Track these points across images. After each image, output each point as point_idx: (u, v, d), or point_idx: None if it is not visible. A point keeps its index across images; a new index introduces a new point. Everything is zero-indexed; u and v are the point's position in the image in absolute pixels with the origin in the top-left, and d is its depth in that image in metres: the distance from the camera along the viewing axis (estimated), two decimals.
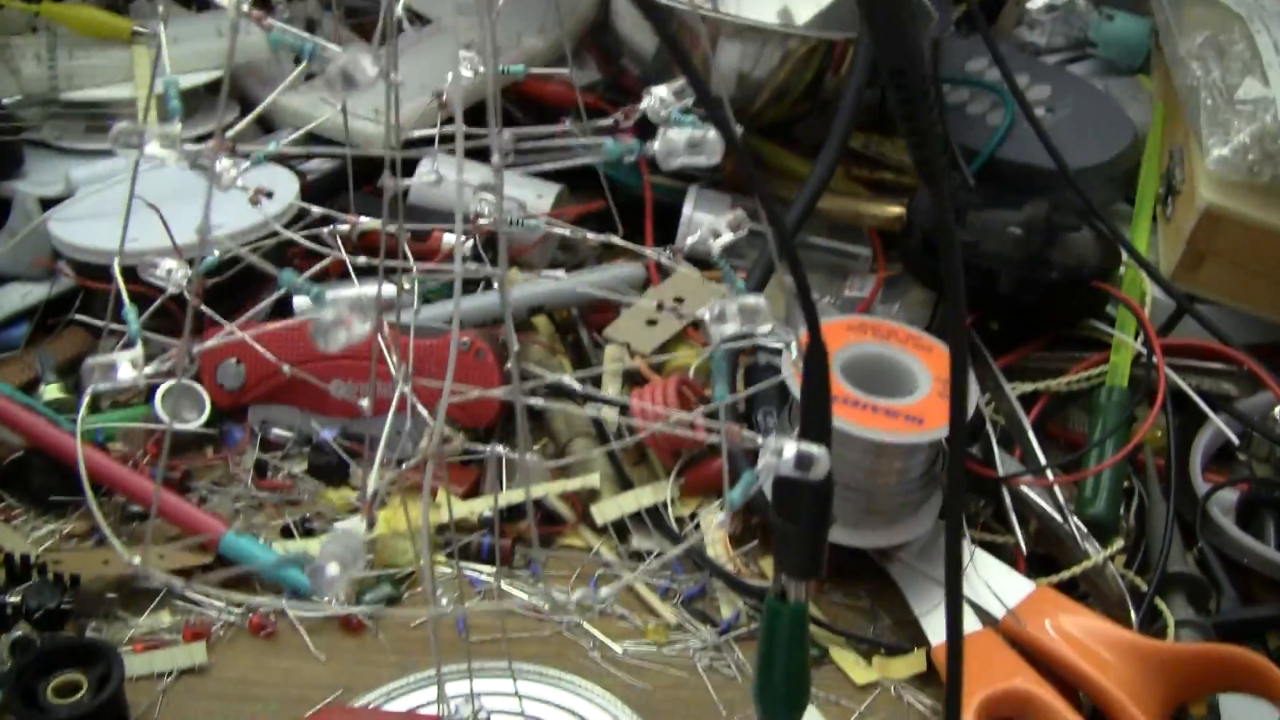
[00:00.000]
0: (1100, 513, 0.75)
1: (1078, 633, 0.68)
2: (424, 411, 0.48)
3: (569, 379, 0.54)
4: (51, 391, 0.86)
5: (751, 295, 0.42)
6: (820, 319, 0.88)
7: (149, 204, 0.60)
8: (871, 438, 0.69)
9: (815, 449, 0.41)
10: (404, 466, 0.45)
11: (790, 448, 0.41)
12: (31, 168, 1.00)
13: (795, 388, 0.70)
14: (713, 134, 0.41)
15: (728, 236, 0.52)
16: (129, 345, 0.46)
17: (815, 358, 0.43)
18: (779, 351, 0.87)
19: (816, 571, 0.48)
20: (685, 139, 0.41)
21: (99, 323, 0.89)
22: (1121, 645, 0.67)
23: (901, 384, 0.73)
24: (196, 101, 1.06)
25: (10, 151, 0.99)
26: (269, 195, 0.53)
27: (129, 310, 0.48)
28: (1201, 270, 0.88)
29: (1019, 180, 1.02)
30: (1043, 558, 0.76)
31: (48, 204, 0.96)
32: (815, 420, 0.44)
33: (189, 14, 1.14)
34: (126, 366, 0.44)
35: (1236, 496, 0.79)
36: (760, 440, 0.42)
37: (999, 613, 0.70)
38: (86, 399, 0.52)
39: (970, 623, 0.70)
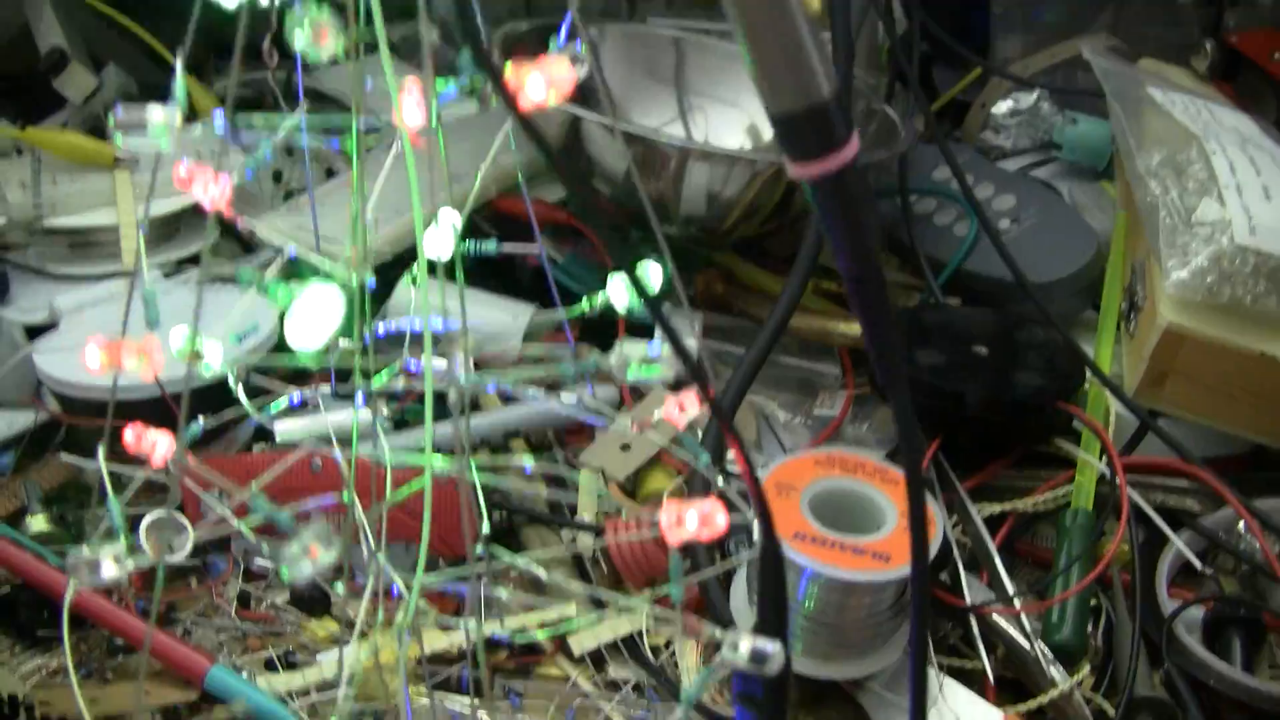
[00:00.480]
0: (1066, 639, 0.77)
1: None
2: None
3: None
4: (38, 523, 0.87)
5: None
6: (789, 441, 0.90)
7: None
8: (838, 576, 0.70)
9: (770, 645, 0.43)
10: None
11: (746, 643, 0.43)
12: (17, 294, 1.02)
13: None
14: (666, 350, 0.43)
15: (692, 411, 0.54)
16: (111, 535, 0.48)
17: (769, 555, 0.45)
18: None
19: None
20: (640, 354, 0.43)
21: (85, 462, 0.90)
22: None
23: (869, 519, 0.75)
24: (179, 224, 1.08)
25: None
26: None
27: (111, 501, 0.50)
28: (1164, 387, 0.90)
29: (987, 294, 1.04)
30: (1011, 682, 0.78)
31: (33, 331, 0.98)
32: (772, 614, 0.46)
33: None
34: (109, 564, 0.46)
35: (1203, 614, 0.81)
36: (718, 633, 0.44)
37: None
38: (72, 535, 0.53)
39: None
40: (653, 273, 0.53)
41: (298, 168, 1.17)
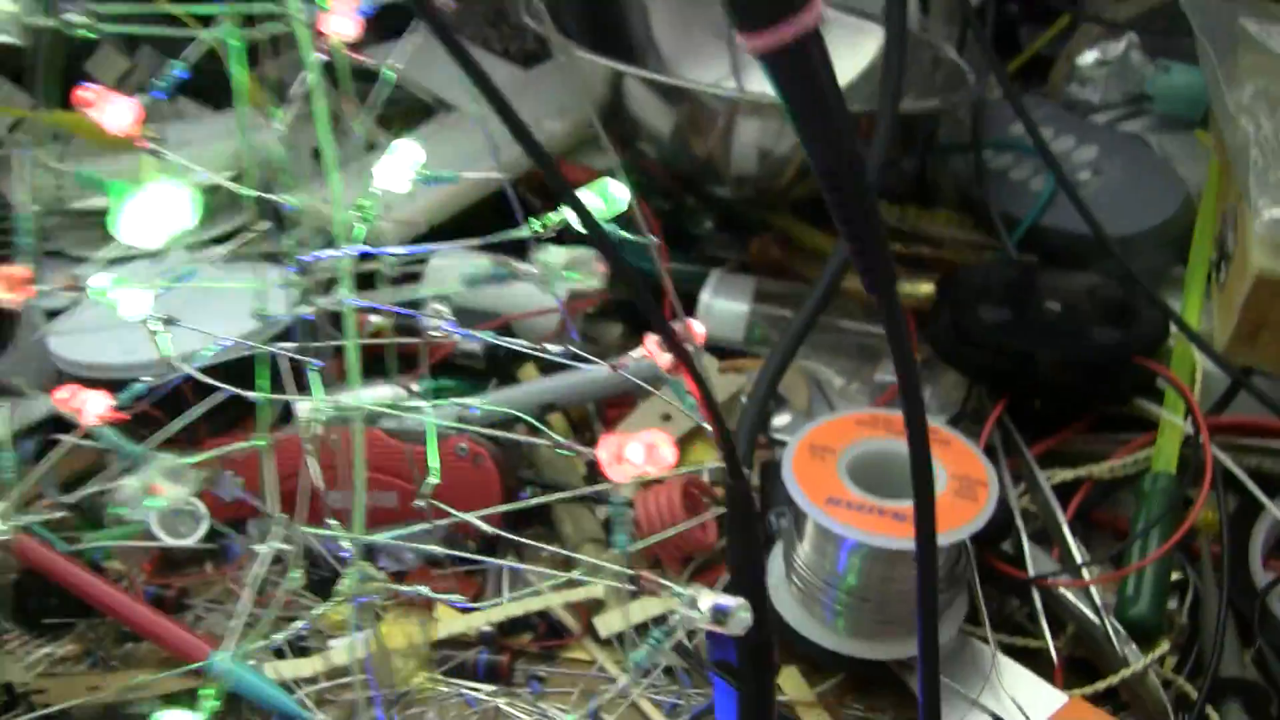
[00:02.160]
0: (1142, 613, 0.69)
1: None
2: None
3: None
4: (55, 510, 0.83)
5: (650, 433, 0.37)
6: (840, 409, 0.83)
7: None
8: (881, 545, 0.64)
9: (732, 601, 0.36)
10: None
11: (706, 599, 0.37)
12: (43, 278, 0.98)
13: (797, 493, 0.65)
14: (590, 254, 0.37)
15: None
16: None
17: (739, 496, 0.38)
18: None
19: None
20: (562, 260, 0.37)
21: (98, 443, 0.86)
22: None
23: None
24: (212, 202, 1.04)
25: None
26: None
27: None
28: (1258, 341, 0.81)
29: (1066, 250, 0.96)
30: (1082, 664, 0.70)
31: (55, 316, 0.94)
32: (744, 566, 0.39)
33: (198, 117, 1.13)
34: None
35: None
36: (676, 590, 0.37)
37: None
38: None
39: None
40: (617, 191, 0.47)
41: (338, 144, 1.12)
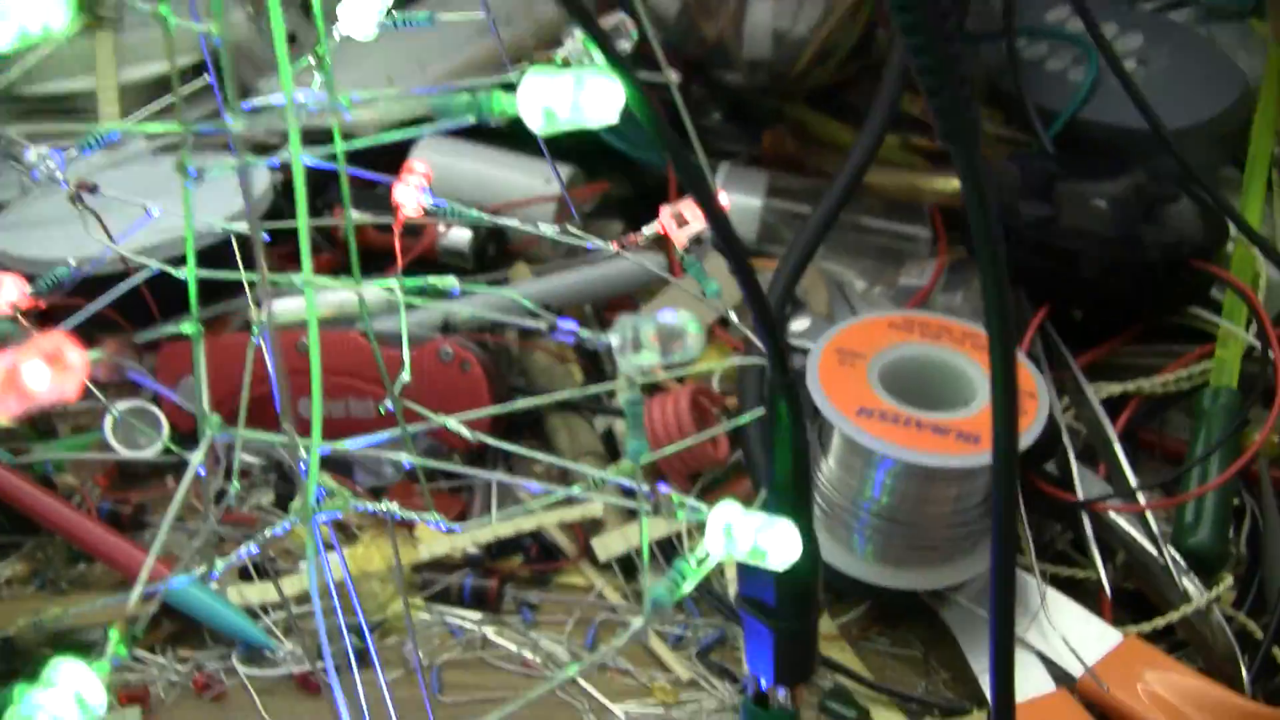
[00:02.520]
0: (1203, 543, 0.62)
1: (1174, 696, 0.55)
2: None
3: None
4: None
5: (670, 314, 0.30)
6: (865, 313, 0.75)
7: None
8: (916, 461, 0.56)
9: (778, 526, 0.29)
10: None
11: (744, 525, 0.29)
12: None
13: (823, 402, 0.58)
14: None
15: (696, 224, 0.40)
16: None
17: (786, 395, 0.31)
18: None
19: (803, 675, 0.35)
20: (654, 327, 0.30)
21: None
22: (1229, 711, 0.54)
23: (955, 392, 0.61)
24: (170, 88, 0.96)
25: None
26: (91, 190, 0.42)
27: None
28: None
29: (1106, 144, 0.88)
30: (1132, 595, 0.63)
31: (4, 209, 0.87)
32: (786, 484, 0.32)
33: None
34: None
35: None
36: (703, 510, 0.30)
37: (1076, 671, 0.57)
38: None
39: (1040, 682, 0.57)
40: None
41: (314, 29, 1.04)
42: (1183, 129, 0.85)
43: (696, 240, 0.42)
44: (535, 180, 0.86)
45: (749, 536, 0.29)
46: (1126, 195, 0.76)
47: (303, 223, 0.31)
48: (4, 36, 0.23)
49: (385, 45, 0.86)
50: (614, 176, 0.91)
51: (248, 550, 0.62)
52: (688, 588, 0.30)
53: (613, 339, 0.30)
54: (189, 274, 0.33)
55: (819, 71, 0.88)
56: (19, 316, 0.44)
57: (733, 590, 0.64)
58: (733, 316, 0.39)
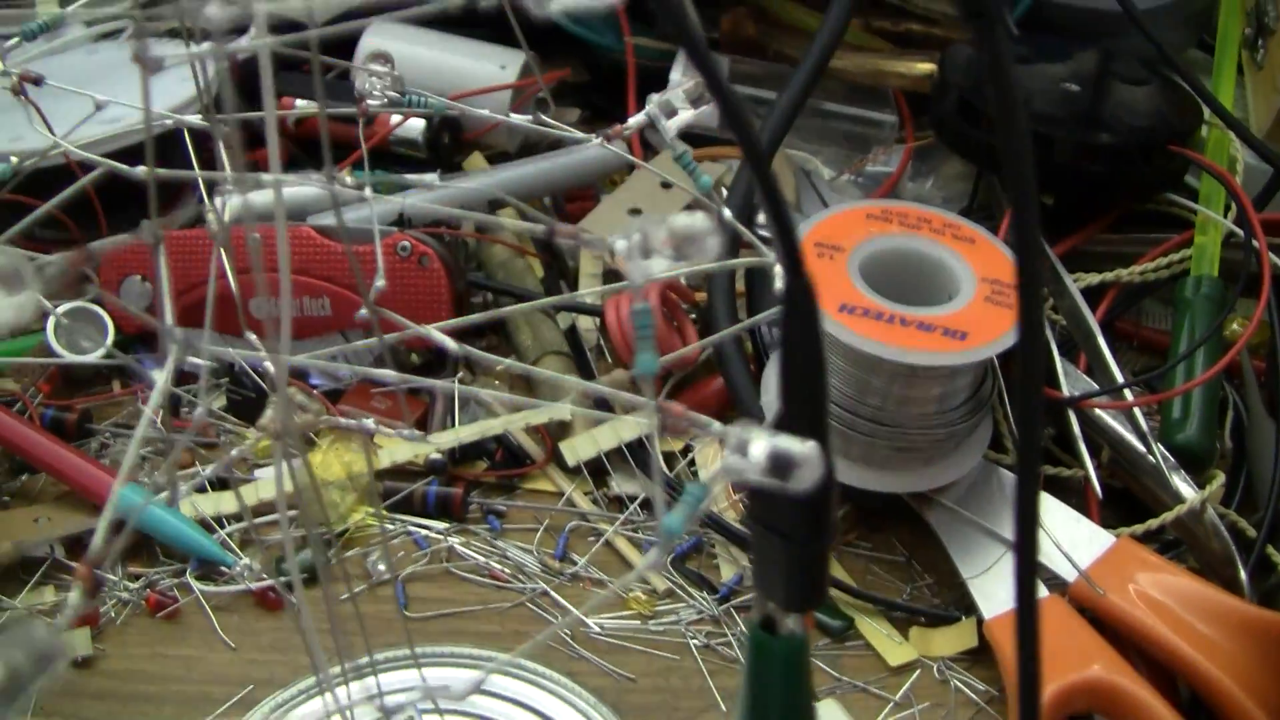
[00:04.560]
0: (1192, 439, 0.61)
1: (1170, 599, 0.54)
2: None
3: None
4: None
5: (685, 216, 0.27)
6: (836, 203, 0.73)
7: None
8: (902, 360, 0.54)
9: (799, 447, 0.27)
10: None
11: (760, 444, 0.27)
12: None
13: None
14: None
15: (686, 114, 0.37)
16: None
17: (801, 308, 0.28)
18: None
19: (816, 601, 0.33)
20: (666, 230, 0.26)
21: None
22: (1226, 615, 0.53)
23: (938, 287, 0.58)
24: None
25: None
26: (36, 82, 0.38)
27: None
28: None
29: (1072, 25, 0.85)
30: (1118, 493, 0.62)
31: None
32: (803, 402, 0.29)
33: None
34: None
35: None
36: (717, 429, 0.28)
37: (1069, 575, 0.56)
38: None
39: None
40: None
41: None
42: (1151, 8, 0.82)
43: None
44: (490, 66, 0.83)
45: (768, 458, 0.27)
46: (1095, 77, 0.74)
47: (271, 115, 0.27)
48: None
49: None
50: (570, 61, 0.87)
51: (215, 469, 0.59)
52: (701, 511, 0.28)
53: (618, 244, 0.27)
54: (148, 172, 0.30)
55: None
56: None
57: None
58: (726, 213, 0.36)
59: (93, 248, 0.25)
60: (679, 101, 0.37)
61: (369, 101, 0.45)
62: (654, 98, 0.38)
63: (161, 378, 0.29)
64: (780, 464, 0.27)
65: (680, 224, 0.26)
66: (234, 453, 0.35)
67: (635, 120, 0.38)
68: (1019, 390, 0.29)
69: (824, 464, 0.27)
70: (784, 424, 0.30)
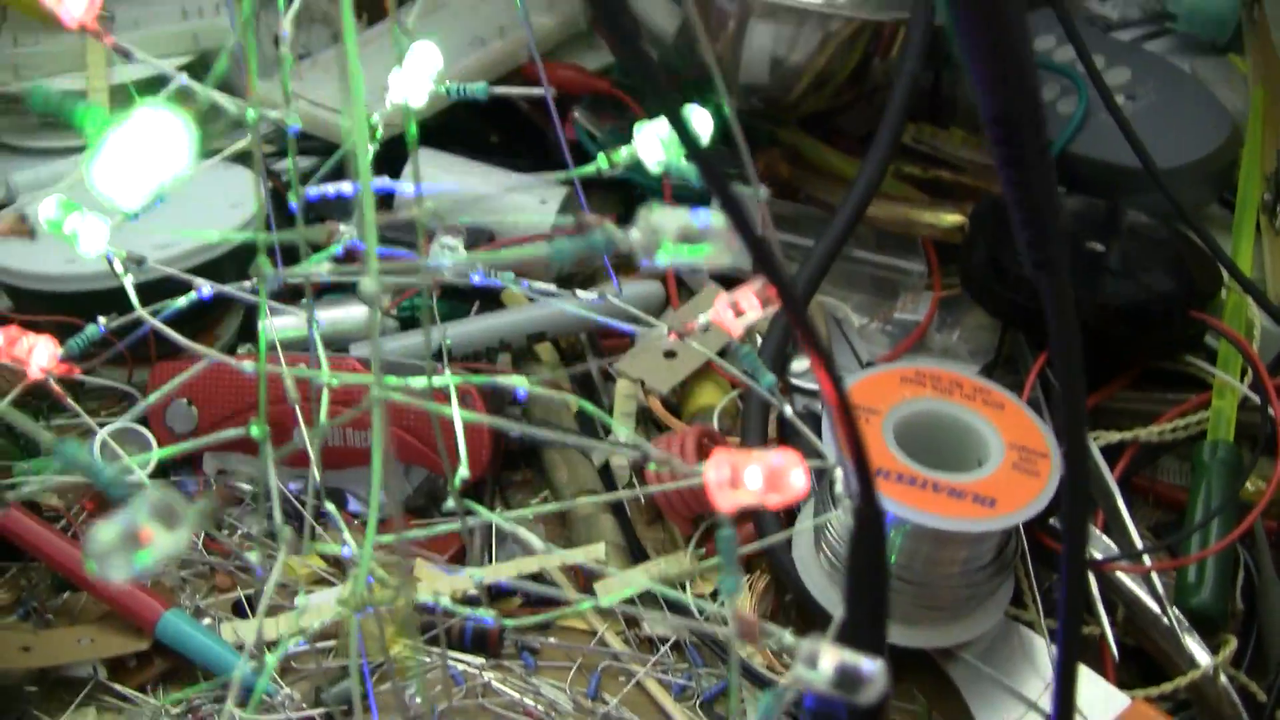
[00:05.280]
0: (1207, 603, 0.63)
1: None
2: None
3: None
4: None
5: (702, 213, 0.29)
6: (864, 350, 0.75)
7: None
8: (932, 525, 0.56)
9: (868, 665, 0.29)
10: None
11: (828, 658, 0.29)
12: None
13: (838, 460, 0.58)
14: (720, 222, 0.28)
15: (752, 315, 0.40)
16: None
17: (871, 534, 0.30)
18: (817, 394, 0.75)
19: None
20: (677, 226, 0.28)
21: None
22: None
23: (968, 451, 0.61)
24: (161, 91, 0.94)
25: None
26: None
27: None
28: None
29: (1095, 181, 0.88)
30: (1131, 650, 0.64)
31: None
32: (867, 616, 0.31)
33: None
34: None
35: None
36: (788, 641, 0.30)
37: None
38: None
39: None
40: (699, 119, 0.39)
41: (303, 30, 1.02)
42: (1172, 169, 0.85)
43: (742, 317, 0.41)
44: (530, 197, 0.86)
45: (837, 673, 0.29)
46: (1121, 240, 0.77)
47: (371, 252, 0.30)
48: (142, 190, 0.22)
49: (382, 52, 0.85)
50: (606, 194, 0.90)
51: (296, 645, 0.61)
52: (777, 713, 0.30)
53: (634, 233, 0.29)
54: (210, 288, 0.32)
55: (814, 98, 0.88)
56: (52, 383, 0.43)
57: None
58: (788, 410, 0.39)
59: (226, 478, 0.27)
60: (746, 301, 0.40)
61: (440, 264, 0.47)
62: (722, 296, 0.40)
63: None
64: (848, 680, 0.29)
65: (687, 223, 0.28)
66: (315, 626, 0.37)
67: (704, 318, 0.40)
68: (1064, 575, 0.31)
69: (885, 681, 0.29)
70: (847, 634, 0.32)
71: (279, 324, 0.76)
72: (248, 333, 0.81)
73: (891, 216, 0.85)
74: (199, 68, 0.97)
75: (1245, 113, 0.91)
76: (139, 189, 0.23)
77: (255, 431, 0.33)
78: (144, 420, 0.74)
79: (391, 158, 0.52)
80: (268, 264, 0.34)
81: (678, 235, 0.28)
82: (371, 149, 0.42)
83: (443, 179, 0.86)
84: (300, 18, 1.03)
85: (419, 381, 0.39)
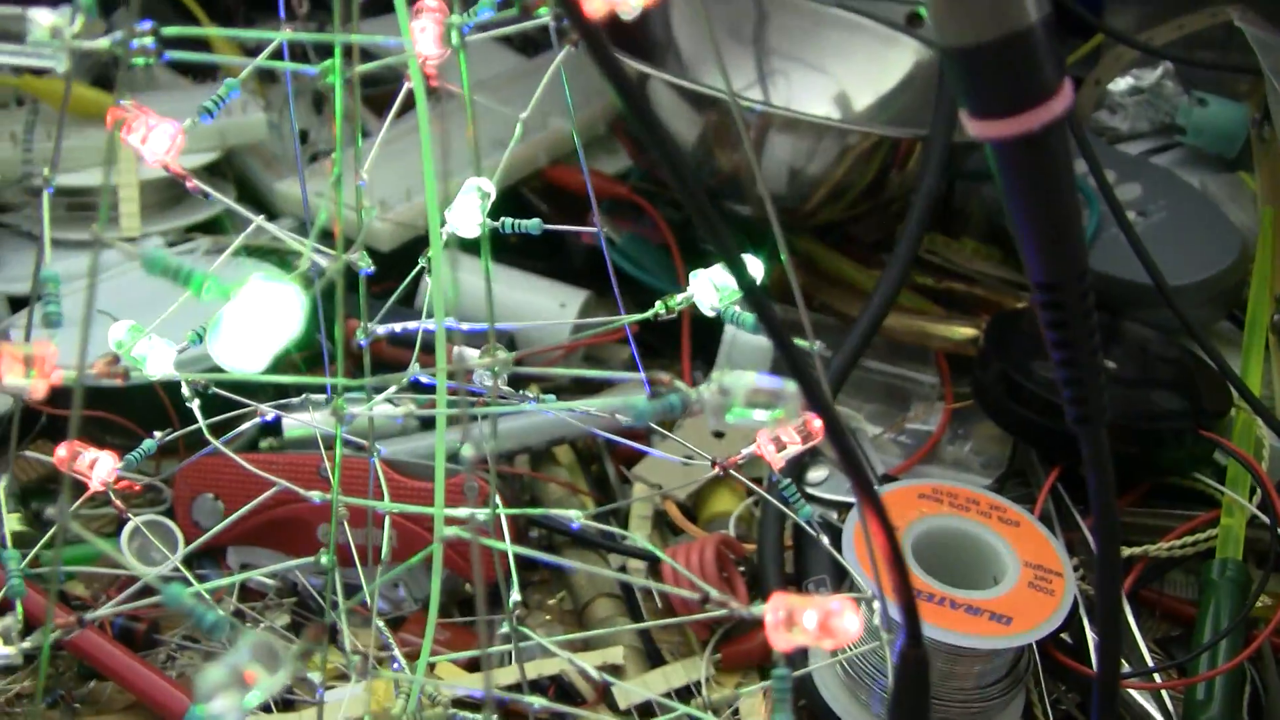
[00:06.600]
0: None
1: None
2: None
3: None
4: (13, 523, 0.75)
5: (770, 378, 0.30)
6: (881, 468, 0.77)
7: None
8: (949, 642, 0.57)
9: None
10: None
11: None
12: (6, 260, 0.89)
13: (861, 577, 0.59)
14: (791, 387, 0.30)
15: (793, 449, 0.41)
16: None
17: (915, 667, 0.32)
18: (834, 504, 0.76)
19: None
20: (747, 388, 0.30)
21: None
22: None
23: (984, 568, 0.62)
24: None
25: None
26: None
27: None
28: None
29: (1104, 296, 0.90)
30: None
31: (18, 303, 0.86)
32: None
33: (182, 90, 1.04)
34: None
35: None
36: None
37: None
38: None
39: None
40: (752, 266, 0.41)
41: (326, 127, 1.05)
42: (1183, 286, 0.87)
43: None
44: (550, 302, 0.87)
45: None
46: (1133, 357, 0.78)
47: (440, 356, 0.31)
48: (256, 358, 0.24)
49: (407, 150, 0.87)
50: (625, 300, 0.92)
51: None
52: None
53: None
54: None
55: (830, 209, 0.90)
56: (113, 497, 0.45)
57: None
58: (825, 540, 0.40)
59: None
60: (786, 436, 0.41)
61: (481, 382, 0.49)
62: (764, 433, 0.41)
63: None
64: None
65: (758, 386, 0.30)
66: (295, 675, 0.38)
67: (748, 450, 0.41)
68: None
69: None
70: None
71: (293, 421, 0.77)
72: (269, 427, 0.82)
73: (906, 328, 0.87)
74: (225, 164, 0.99)
75: (1254, 230, 0.93)
76: (258, 357, 0.24)
77: (325, 560, 0.35)
78: (170, 513, 0.75)
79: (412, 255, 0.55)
80: (344, 405, 0.35)
81: (748, 398, 0.29)
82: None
83: (464, 278, 0.88)
84: (322, 113, 1.06)
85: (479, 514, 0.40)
